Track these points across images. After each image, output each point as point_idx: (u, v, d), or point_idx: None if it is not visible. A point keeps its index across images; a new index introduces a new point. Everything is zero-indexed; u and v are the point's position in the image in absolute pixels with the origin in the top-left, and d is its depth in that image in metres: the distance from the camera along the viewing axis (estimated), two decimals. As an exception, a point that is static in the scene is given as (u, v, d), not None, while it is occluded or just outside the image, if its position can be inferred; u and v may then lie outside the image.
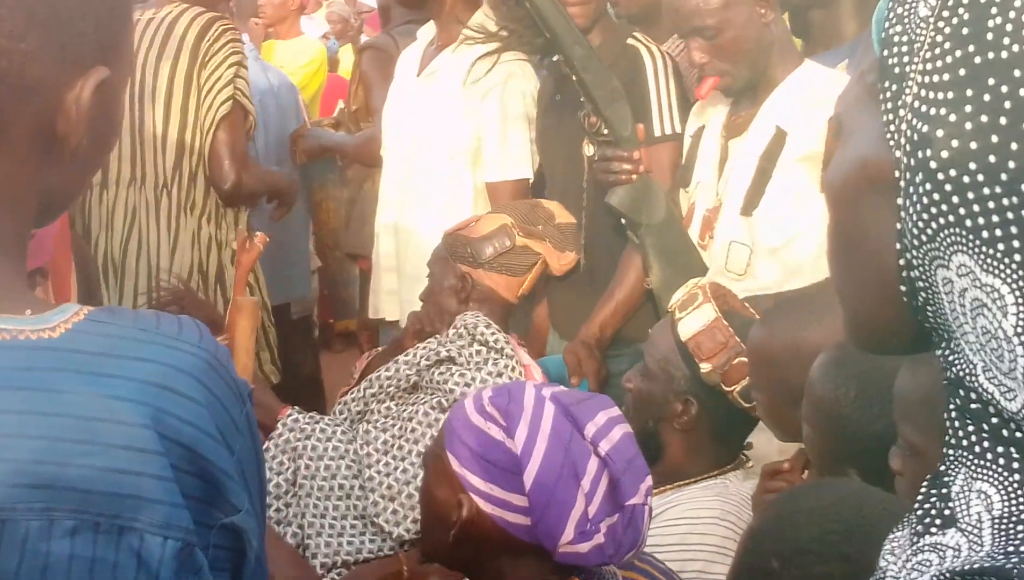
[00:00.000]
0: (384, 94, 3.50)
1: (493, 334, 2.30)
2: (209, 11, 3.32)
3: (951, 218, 0.65)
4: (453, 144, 3.14)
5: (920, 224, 0.67)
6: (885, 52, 0.70)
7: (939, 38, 0.66)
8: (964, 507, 0.68)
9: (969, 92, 0.64)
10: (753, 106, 2.54)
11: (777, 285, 2.46)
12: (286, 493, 2.26)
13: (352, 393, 2.39)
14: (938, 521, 0.69)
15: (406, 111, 3.29)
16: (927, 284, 0.69)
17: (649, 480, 1.51)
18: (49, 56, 0.86)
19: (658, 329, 2.23)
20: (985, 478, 0.68)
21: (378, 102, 3.64)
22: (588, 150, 2.77)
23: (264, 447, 2.28)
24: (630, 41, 2.86)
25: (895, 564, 0.70)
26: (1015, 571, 0.62)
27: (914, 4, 0.68)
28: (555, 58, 2.64)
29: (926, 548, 0.68)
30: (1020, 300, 0.64)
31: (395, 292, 3.27)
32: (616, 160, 2.61)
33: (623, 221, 2.72)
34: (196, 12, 3.29)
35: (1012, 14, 0.63)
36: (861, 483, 1.55)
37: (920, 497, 0.71)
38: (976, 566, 0.64)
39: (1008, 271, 0.64)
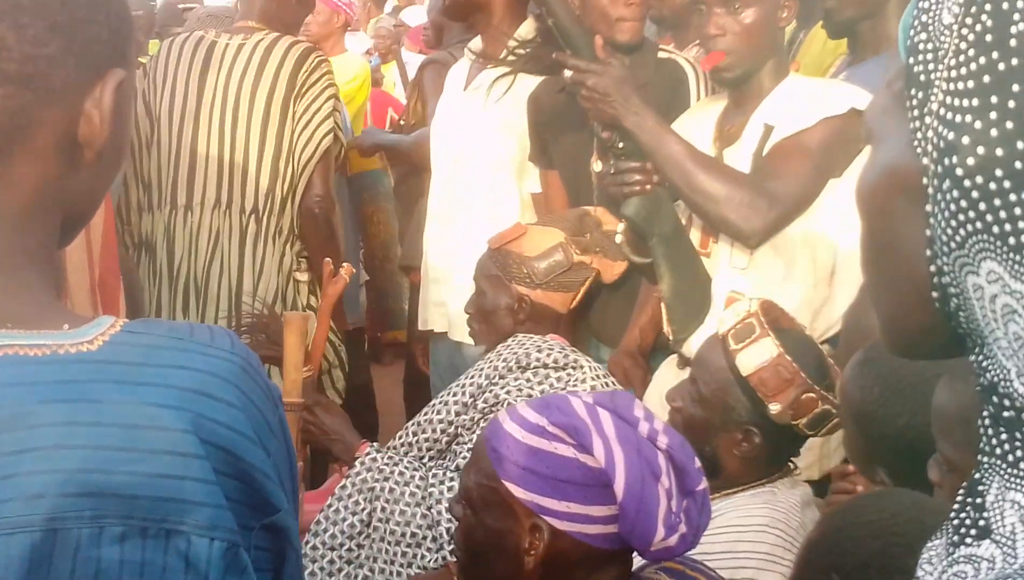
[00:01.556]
0: None
1: (548, 353, 2.30)
2: (302, 41, 3.37)
3: (979, 225, 0.65)
4: (498, 156, 3.18)
5: (949, 231, 0.67)
6: (911, 59, 0.70)
7: (963, 45, 0.66)
8: (999, 518, 0.68)
9: (994, 99, 0.64)
10: (743, 115, 2.58)
11: (781, 276, 2.49)
12: (359, 534, 2.24)
13: (412, 430, 2.38)
14: (973, 532, 0.69)
15: (453, 125, 3.32)
16: (958, 290, 0.69)
17: (697, 460, 1.53)
18: (71, 61, 0.88)
19: (707, 351, 2.18)
20: (1019, 488, 0.67)
21: None
22: (596, 166, 2.79)
23: (341, 485, 2.30)
24: (663, 54, 2.88)
25: (932, 574, 0.70)
26: None
27: (938, 11, 0.68)
28: (568, 73, 2.63)
29: (961, 559, 0.68)
30: None
31: (443, 303, 3.29)
32: (630, 172, 2.61)
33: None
34: (290, 42, 3.31)
35: None
36: (920, 494, 1.52)
37: (956, 506, 0.71)
38: None
39: None
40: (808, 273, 2.49)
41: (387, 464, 2.27)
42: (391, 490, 2.24)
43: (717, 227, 2.57)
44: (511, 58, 2.96)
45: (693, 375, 2.19)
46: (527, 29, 3.18)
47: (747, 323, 2.10)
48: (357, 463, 2.29)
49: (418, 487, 2.23)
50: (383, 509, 2.22)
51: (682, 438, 1.53)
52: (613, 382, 2.37)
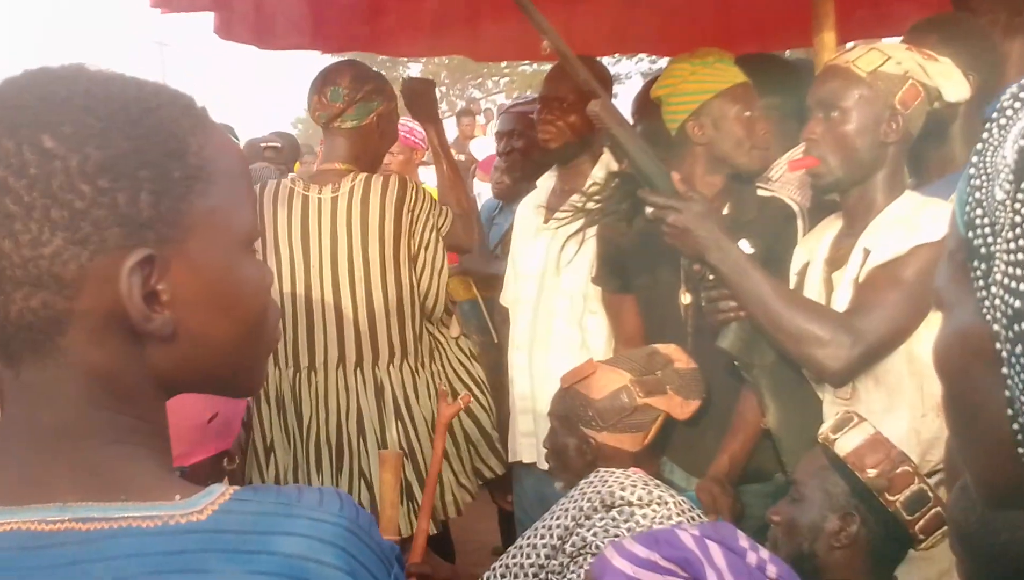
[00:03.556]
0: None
1: (632, 490, 2.30)
2: (392, 174, 3.36)
3: None
4: (583, 288, 3.22)
5: None
6: (970, 234, 0.75)
7: (1018, 218, 0.70)
8: None
9: None
10: (853, 236, 2.54)
11: (882, 406, 2.43)
12: None
13: (500, 572, 2.39)
14: None
15: (534, 256, 3.38)
16: None
17: None
18: (81, 251, 0.87)
19: (805, 460, 2.22)
20: None
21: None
22: (685, 299, 2.81)
23: None
24: (762, 193, 2.90)
25: None
26: None
27: (990, 188, 0.73)
28: (649, 212, 2.65)
29: None
30: None
31: (531, 434, 3.31)
32: (723, 298, 2.61)
33: (735, 363, 2.70)
34: (382, 180, 3.29)
35: None
36: None
37: None
38: None
39: None
40: (916, 403, 2.40)
41: None
42: None
43: (802, 365, 2.54)
44: (589, 205, 3.02)
45: (792, 481, 2.20)
46: (603, 169, 3.26)
47: (845, 416, 2.14)
48: None
49: None
50: None
51: (788, 567, 1.55)
52: (699, 515, 2.37)
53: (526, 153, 4.18)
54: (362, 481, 3.22)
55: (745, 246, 2.64)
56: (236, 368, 0.98)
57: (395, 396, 3.26)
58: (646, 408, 2.55)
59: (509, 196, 4.36)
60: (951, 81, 2.48)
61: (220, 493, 0.88)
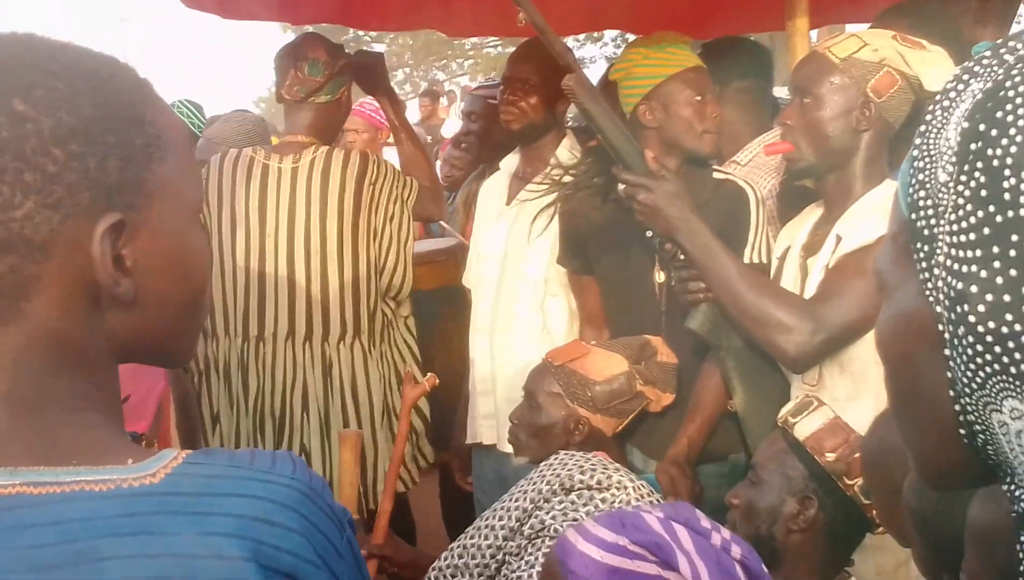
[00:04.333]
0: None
1: (591, 474, 2.31)
2: (353, 150, 3.34)
3: (996, 366, 0.69)
4: (546, 270, 3.21)
5: (969, 373, 0.71)
6: (913, 216, 0.75)
7: (960, 201, 0.70)
8: None
9: (995, 249, 0.68)
10: (829, 223, 2.55)
11: (846, 394, 2.44)
12: None
13: (458, 552, 2.39)
14: None
15: (496, 238, 3.37)
16: (984, 426, 0.73)
17: (766, 569, 1.55)
18: (52, 214, 0.88)
19: (765, 443, 2.24)
20: None
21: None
22: (659, 277, 2.81)
23: None
24: (719, 175, 2.92)
25: None
26: None
27: (933, 170, 0.73)
28: (621, 189, 2.68)
29: None
30: None
31: (492, 415, 3.31)
32: (692, 279, 2.63)
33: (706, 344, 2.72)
34: (344, 154, 3.28)
35: None
36: None
37: None
38: None
39: None
40: (880, 392, 2.36)
41: None
42: None
43: (764, 349, 2.56)
44: (566, 178, 3.01)
45: (751, 466, 2.22)
46: (565, 151, 3.26)
47: (805, 400, 2.15)
48: None
49: None
50: None
51: (750, 546, 1.56)
52: (659, 499, 2.38)
53: (483, 137, 4.16)
54: (303, 456, 3.20)
55: None
56: (181, 336, 1.00)
57: (343, 374, 3.25)
58: (639, 396, 2.56)
59: (459, 187, 4.35)
60: (933, 70, 2.47)
61: (172, 457, 0.88)
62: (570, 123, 3.48)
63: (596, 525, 1.55)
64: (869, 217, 2.44)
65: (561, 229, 3.13)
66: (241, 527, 0.84)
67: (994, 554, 1.46)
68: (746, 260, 2.76)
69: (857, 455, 2.05)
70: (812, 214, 2.67)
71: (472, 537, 2.38)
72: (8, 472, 0.84)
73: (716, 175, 2.92)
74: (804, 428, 2.11)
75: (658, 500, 2.38)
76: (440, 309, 4.10)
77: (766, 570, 1.54)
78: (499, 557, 2.32)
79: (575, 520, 2.19)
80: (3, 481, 0.84)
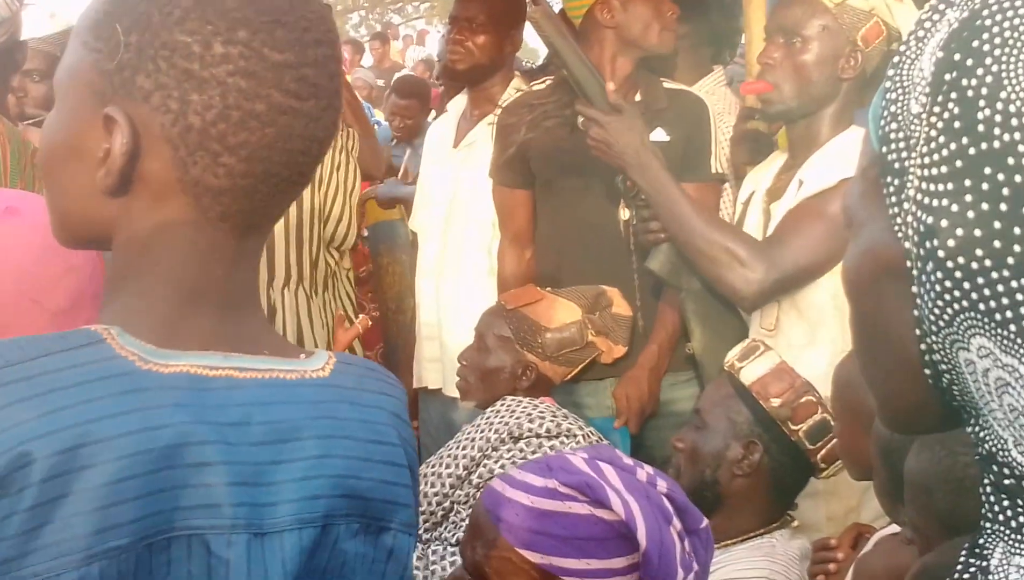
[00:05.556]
0: None
1: (539, 422, 2.29)
2: None
3: (965, 303, 0.68)
4: (493, 212, 3.17)
5: (936, 310, 0.69)
6: (884, 149, 0.72)
7: (933, 133, 0.68)
8: None
9: (967, 182, 0.66)
10: (794, 168, 2.54)
11: (804, 340, 2.44)
12: None
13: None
14: None
15: (444, 181, 3.34)
16: (950, 366, 0.71)
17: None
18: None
19: (710, 388, 2.24)
20: (1023, 552, 0.69)
21: None
22: (624, 214, 2.78)
23: None
24: (669, 85, 2.88)
25: None
26: None
27: (906, 102, 0.71)
28: (580, 122, 2.65)
29: None
30: None
31: (437, 359, 3.29)
32: (652, 218, 2.61)
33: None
34: None
35: (999, 105, 0.65)
36: None
37: (959, 566, 0.73)
38: None
39: None
40: (837, 339, 2.37)
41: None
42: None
43: (716, 287, 2.55)
44: (535, 103, 2.96)
45: (696, 410, 2.21)
46: (512, 90, 3.22)
47: (751, 345, 2.15)
48: None
49: (417, 567, 2.20)
50: None
51: (673, 480, 1.57)
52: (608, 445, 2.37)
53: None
54: None
55: (660, 134, 2.62)
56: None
57: (286, 320, 3.24)
58: (590, 346, 2.54)
59: (411, 137, 4.32)
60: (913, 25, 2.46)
61: (328, 356, 0.99)
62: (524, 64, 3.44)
63: (522, 472, 1.54)
64: (832, 162, 2.42)
65: (497, 142, 3.04)
66: (391, 419, 0.99)
67: (932, 505, 1.46)
68: (712, 170, 2.77)
69: (803, 400, 2.05)
70: (777, 159, 2.66)
71: (419, 483, 2.35)
72: (221, 356, 0.92)
73: (668, 84, 2.89)
74: (750, 373, 2.10)
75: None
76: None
77: (692, 504, 1.55)
78: (445, 505, 2.31)
79: None
80: (216, 363, 0.92)
